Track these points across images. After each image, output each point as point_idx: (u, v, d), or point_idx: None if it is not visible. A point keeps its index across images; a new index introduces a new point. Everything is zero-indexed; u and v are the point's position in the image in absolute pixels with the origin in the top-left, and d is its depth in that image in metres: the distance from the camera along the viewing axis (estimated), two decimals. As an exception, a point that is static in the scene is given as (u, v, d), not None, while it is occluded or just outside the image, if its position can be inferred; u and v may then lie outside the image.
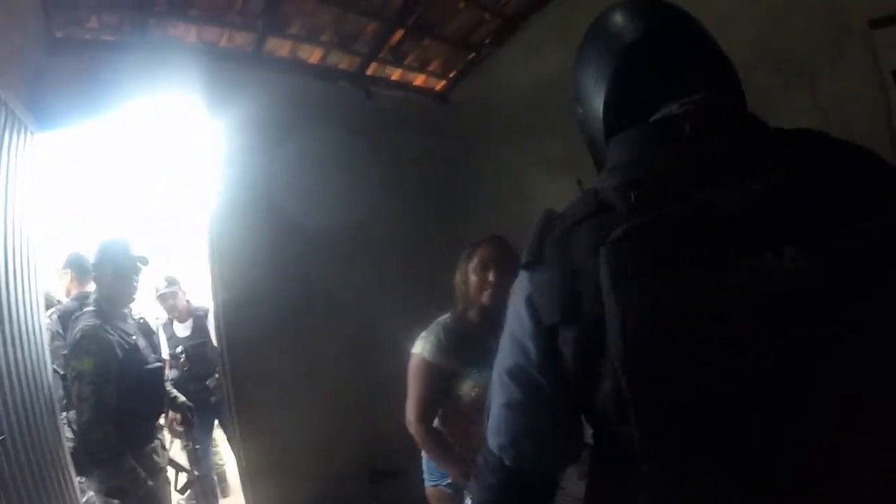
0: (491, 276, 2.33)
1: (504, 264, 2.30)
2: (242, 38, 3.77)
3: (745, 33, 2.84)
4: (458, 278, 2.46)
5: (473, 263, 2.40)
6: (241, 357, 3.64)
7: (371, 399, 3.52)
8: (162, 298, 4.42)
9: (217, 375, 4.21)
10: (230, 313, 3.64)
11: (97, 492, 3.98)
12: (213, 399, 4.21)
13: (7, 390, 2.30)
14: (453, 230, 4.29)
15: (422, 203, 4.30)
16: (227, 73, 3.69)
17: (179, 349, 4.05)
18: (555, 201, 3.71)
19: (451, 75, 4.47)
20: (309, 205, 3.83)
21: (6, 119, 2.60)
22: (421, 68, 4.31)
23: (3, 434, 2.09)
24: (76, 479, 2.97)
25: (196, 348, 4.29)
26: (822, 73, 2.78)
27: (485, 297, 2.34)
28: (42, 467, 2.56)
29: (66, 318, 3.17)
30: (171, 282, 4.50)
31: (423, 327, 2.51)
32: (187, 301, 4.53)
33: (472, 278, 2.38)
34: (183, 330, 4.45)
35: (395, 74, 4.30)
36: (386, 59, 4.12)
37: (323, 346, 3.83)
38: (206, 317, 4.50)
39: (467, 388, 2.30)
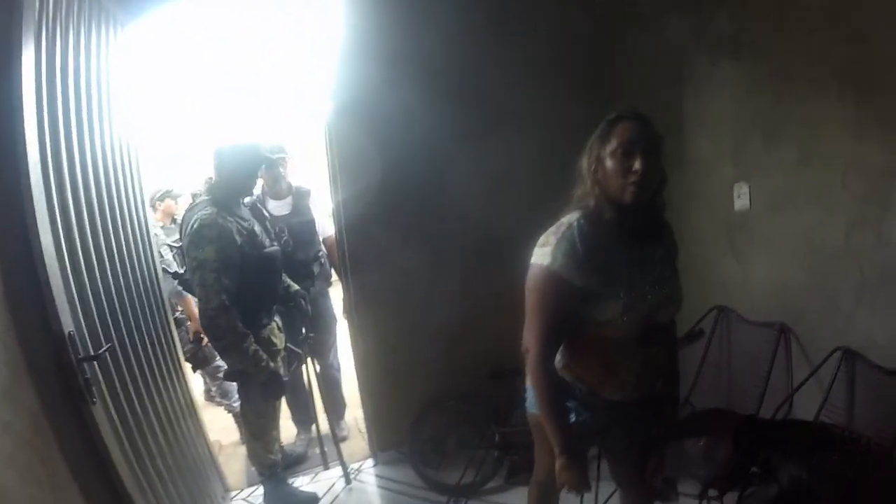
0: (637, 164, 1.65)
1: (652, 147, 1.70)
2: None
3: None
4: (585, 163, 1.80)
5: (612, 145, 1.71)
6: (360, 245, 3.48)
7: (497, 294, 3.19)
8: (268, 166, 3.72)
9: (322, 260, 3.96)
10: (349, 198, 3.44)
11: (212, 377, 4.01)
12: (313, 287, 3.82)
13: (115, 296, 2.28)
14: (599, 119, 3.73)
15: (561, 88, 3.73)
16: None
17: (279, 228, 3.49)
18: (718, 87, 2.97)
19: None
20: (435, 86, 3.39)
21: (92, 11, 2.34)
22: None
23: (110, 343, 2.08)
24: (188, 379, 3.19)
25: (299, 227, 3.83)
26: None
27: (627, 193, 1.68)
28: (161, 372, 2.70)
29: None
30: (281, 149, 3.93)
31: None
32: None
33: (610, 164, 1.70)
34: (280, 208, 3.92)
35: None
36: None
37: (449, 236, 3.54)
38: (308, 195, 4.04)
39: (613, 312, 1.74)
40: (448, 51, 3.44)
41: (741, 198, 3.02)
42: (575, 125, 3.08)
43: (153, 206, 4.35)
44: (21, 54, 1.63)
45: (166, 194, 4.57)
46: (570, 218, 1.78)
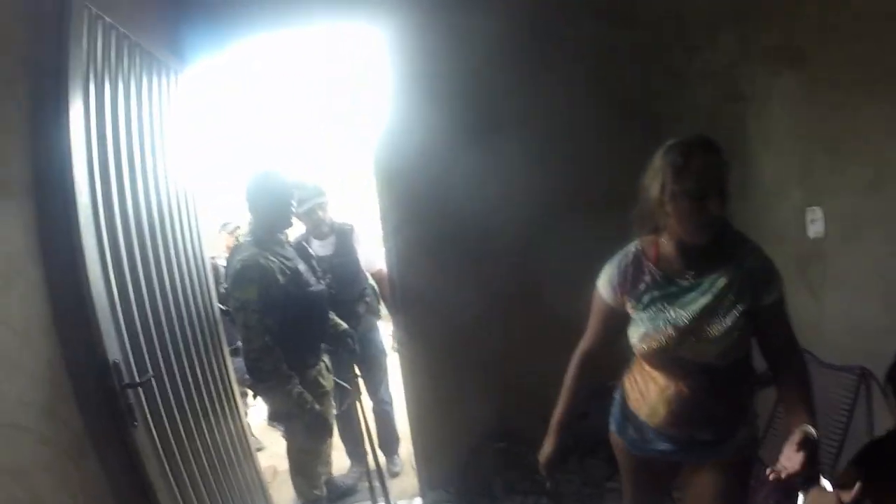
0: (713, 207, 1.56)
1: (726, 183, 1.59)
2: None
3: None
4: (652, 190, 1.68)
5: (685, 183, 1.59)
6: (410, 279, 3.51)
7: (551, 334, 3.16)
8: (308, 213, 3.86)
9: (368, 298, 3.94)
10: (398, 231, 3.50)
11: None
12: (359, 327, 3.75)
13: (167, 329, 2.46)
14: (647, 143, 3.65)
15: (604, 108, 3.69)
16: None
17: (322, 269, 3.54)
18: (779, 103, 2.83)
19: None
20: (481, 120, 3.44)
21: (149, 65, 2.60)
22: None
23: (154, 371, 2.22)
24: (244, 411, 3.34)
25: (343, 268, 3.84)
26: None
27: (698, 235, 1.64)
28: (211, 400, 2.81)
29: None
30: (319, 192, 3.97)
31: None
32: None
33: (682, 204, 1.60)
34: (324, 248, 3.94)
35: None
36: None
37: (502, 275, 3.47)
38: (351, 233, 4.04)
39: (635, 337, 1.77)
40: (495, 80, 3.49)
41: (815, 223, 2.76)
42: (627, 155, 3.07)
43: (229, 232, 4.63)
44: (69, 102, 1.82)
45: (235, 227, 4.80)
46: (630, 247, 1.84)
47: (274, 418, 3.00)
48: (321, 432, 2.93)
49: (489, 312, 3.48)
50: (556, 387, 2.53)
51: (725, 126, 3.18)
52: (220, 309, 3.27)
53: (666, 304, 1.72)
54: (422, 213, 3.45)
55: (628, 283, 1.78)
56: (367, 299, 3.96)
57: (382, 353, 4.09)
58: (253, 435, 4.70)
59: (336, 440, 3.34)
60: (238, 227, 4.81)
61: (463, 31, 3.44)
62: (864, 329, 2.55)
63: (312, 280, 3.08)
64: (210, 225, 3.94)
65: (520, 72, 3.54)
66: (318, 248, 3.87)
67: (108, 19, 2.09)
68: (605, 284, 1.85)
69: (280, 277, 2.81)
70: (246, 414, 4.61)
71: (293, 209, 3.10)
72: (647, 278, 1.75)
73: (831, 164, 2.66)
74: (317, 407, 2.84)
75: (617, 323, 1.84)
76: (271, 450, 3.69)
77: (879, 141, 2.42)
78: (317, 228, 3.91)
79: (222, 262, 4.28)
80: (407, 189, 3.48)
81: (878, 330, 2.46)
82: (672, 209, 1.63)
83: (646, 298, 1.75)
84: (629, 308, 1.79)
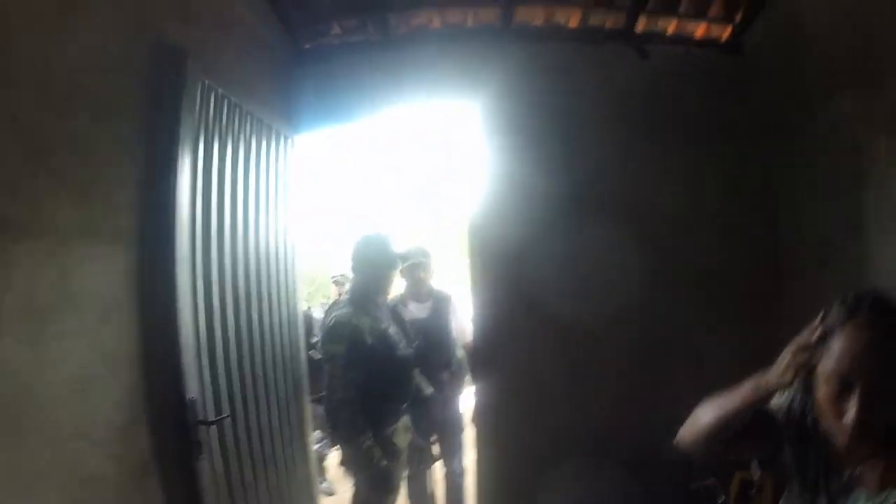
0: (852, 409, 1.10)
1: (886, 375, 1.11)
2: (489, 14, 3.62)
3: None
4: (793, 350, 1.22)
5: (827, 362, 1.16)
6: (495, 352, 3.54)
7: (641, 419, 3.08)
8: (411, 270, 4.01)
9: (454, 367, 4.02)
10: (487, 304, 3.58)
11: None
12: (442, 394, 3.83)
13: (251, 372, 2.64)
14: (767, 221, 3.57)
15: (720, 186, 3.62)
16: (477, 53, 3.57)
17: (415, 331, 3.49)
18: None
19: (737, 18, 3.76)
20: (580, 191, 3.50)
21: (259, 131, 2.89)
22: (699, 15, 3.71)
23: (227, 413, 2.38)
24: (315, 454, 3.52)
25: (434, 333, 3.92)
26: None
27: (839, 439, 1.15)
28: (283, 444, 2.96)
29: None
30: (425, 253, 4.15)
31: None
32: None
33: (822, 391, 1.17)
34: (420, 311, 4.05)
35: (670, 26, 3.77)
36: (656, 10, 3.63)
37: (591, 348, 3.45)
38: (448, 300, 4.15)
39: None
40: (591, 155, 3.52)
41: None
42: (735, 233, 3.00)
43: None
44: (177, 163, 2.09)
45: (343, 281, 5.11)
46: (781, 400, 1.38)
47: (344, 465, 3.18)
48: (385, 489, 3.03)
49: (572, 392, 3.44)
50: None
51: (845, 204, 2.93)
52: (311, 358, 3.47)
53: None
54: (511, 287, 3.51)
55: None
56: (454, 368, 4.03)
57: (461, 423, 4.11)
58: (327, 479, 4.88)
59: (404, 500, 3.41)
60: (346, 282, 5.08)
61: (564, 103, 3.57)
62: None
63: (401, 343, 3.24)
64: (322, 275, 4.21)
65: (625, 146, 3.58)
66: (416, 310, 4.05)
67: (220, 90, 2.36)
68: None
69: (369, 338, 3.02)
70: (325, 457, 4.79)
71: (392, 277, 3.33)
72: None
73: None
74: (384, 463, 2.94)
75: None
76: (343, 496, 3.79)
77: None
78: (416, 289, 4.09)
79: (318, 314, 4.56)
80: (498, 261, 3.55)
81: None
82: (816, 391, 1.21)
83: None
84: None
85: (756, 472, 2.88)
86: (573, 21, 3.68)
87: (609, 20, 3.69)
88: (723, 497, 3.02)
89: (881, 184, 2.70)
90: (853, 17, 2.80)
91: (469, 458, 4.00)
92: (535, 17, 3.64)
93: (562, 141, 3.54)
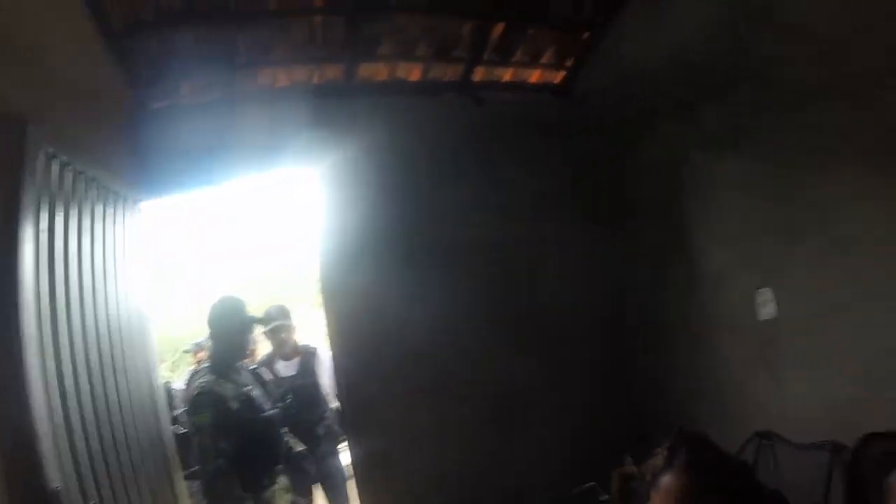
0: None
1: None
2: (333, 71, 3.70)
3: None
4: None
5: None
6: (361, 405, 3.57)
7: (515, 454, 3.24)
8: (274, 332, 4.06)
9: (327, 422, 4.03)
10: (345, 356, 3.61)
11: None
12: (318, 450, 3.86)
13: (117, 452, 2.46)
14: (611, 247, 3.93)
15: (565, 221, 3.93)
16: (325, 109, 3.63)
17: (283, 390, 3.50)
18: (721, 187, 3.13)
19: (568, 64, 4.09)
20: (426, 236, 3.65)
21: (105, 197, 2.76)
22: (532, 62, 4.00)
23: (94, 501, 2.17)
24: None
25: (304, 389, 3.87)
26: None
27: None
28: None
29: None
30: (285, 314, 4.16)
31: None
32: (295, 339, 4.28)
33: None
34: (287, 369, 4.07)
35: (506, 74, 4.04)
36: (492, 60, 3.88)
37: (454, 394, 3.59)
38: (314, 356, 4.17)
39: None
40: (432, 201, 3.74)
41: (766, 306, 2.88)
42: (580, 265, 3.20)
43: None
44: (18, 235, 1.92)
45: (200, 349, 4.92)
46: None
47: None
48: None
49: (443, 440, 3.55)
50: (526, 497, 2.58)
51: (672, 215, 3.43)
52: (176, 433, 3.31)
53: None
54: (364, 336, 3.57)
55: None
56: (328, 422, 4.03)
57: (343, 478, 4.08)
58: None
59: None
60: (201, 350, 4.92)
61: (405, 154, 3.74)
62: (832, 403, 2.57)
63: (266, 405, 3.22)
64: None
65: (461, 191, 3.79)
66: (283, 368, 4.11)
67: (64, 157, 2.24)
68: None
69: (233, 404, 2.98)
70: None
71: (249, 340, 3.30)
72: None
73: (778, 245, 2.80)
74: None
75: None
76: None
77: (826, 216, 2.56)
78: (281, 349, 4.11)
79: (179, 385, 4.39)
80: (349, 312, 3.60)
81: (845, 400, 2.49)
82: None
83: None
84: None
85: (631, 465, 3.07)
86: (414, 75, 3.85)
87: (448, 72, 3.89)
88: (605, 495, 3.17)
89: (701, 196, 3.24)
90: (672, 56, 3.32)
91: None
92: (378, 73, 3.77)
93: (403, 189, 3.70)
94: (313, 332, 5.14)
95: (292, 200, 4.68)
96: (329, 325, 3.68)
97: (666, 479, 1.29)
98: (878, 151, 2.33)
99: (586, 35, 3.83)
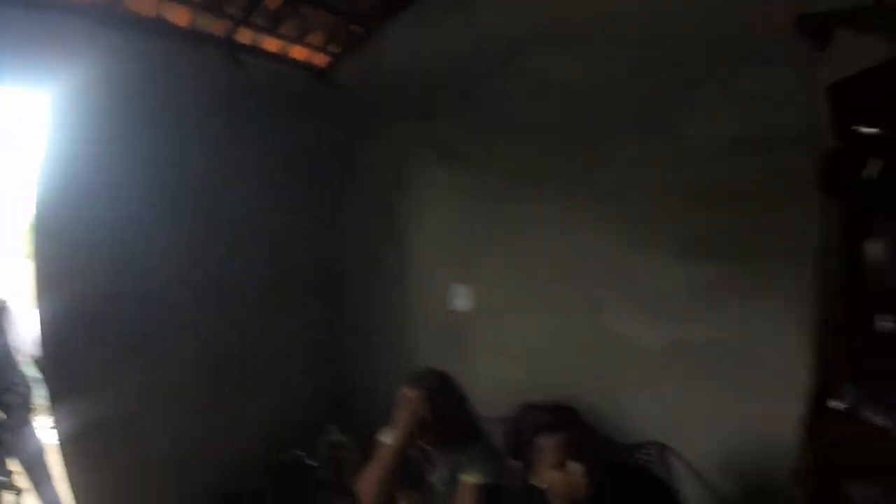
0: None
1: None
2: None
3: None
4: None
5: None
6: (62, 368, 3.11)
7: (227, 419, 3.35)
8: None
9: (19, 389, 3.55)
10: (54, 315, 3.08)
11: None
12: (11, 421, 3.47)
13: None
14: (329, 225, 4.23)
15: (298, 193, 4.11)
16: (72, 31, 3.25)
17: None
18: (437, 193, 3.77)
19: (333, 50, 4.25)
20: (159, 188, 3.48)
21: None
22: (299, 39, 4.07)
23: None
24: None
25: None
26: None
27: None
28: None
29: None
30: None
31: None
32: None
33: None
34: None
35: (271, 45, 4.04)
36: (260, 26, 3.86)
37: (171, 360, 3.44)
38: (4, 310, 3.59)
39: None
40: (177, 153, 3.59)
41: (461, 299, 3.55)
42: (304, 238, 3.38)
43: None
44: None
45: None
46: None
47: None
48: None
49: (156, 401, 3.37)
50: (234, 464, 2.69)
51: (390, 210, 3.96)
52: None
53: None
54: (77, 296, 3.14)
55: None
56: (20, 389, 3.57)
57: (40, 449, 3.64)
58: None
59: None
60: None
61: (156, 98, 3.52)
62: (507, 380, 3.29)
63: None
64: None
65: (213, 148, 3.74)
66: None
67: None
68: None
69: None
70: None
71: None
72: None
73: (476, 249, 3.50)
74: None
75: None
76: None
77: (515, 231, 3.34)
78: None
79: None
80: (68, 265, 3.14)
81: (518, 384, 3.19)
82: None
83: None
84: None
85: (337, 434, 3.42)
86: (182, 19, 3.68)
87: (215, 25, 3.79)
88: (315, 462, 3.45)
89: (417, 198, 3.83)
90: (425, 67, 3.82)
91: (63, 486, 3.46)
92: (145, 8, 3.52)
93: (148, 136, 3.46)
94: (12, 285, 4.32)
95: (14, 131, 3.99)
96: (38, 274, 3.12)
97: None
98: (559, 187, 3.19)
99: (357, 27, 4.03)
